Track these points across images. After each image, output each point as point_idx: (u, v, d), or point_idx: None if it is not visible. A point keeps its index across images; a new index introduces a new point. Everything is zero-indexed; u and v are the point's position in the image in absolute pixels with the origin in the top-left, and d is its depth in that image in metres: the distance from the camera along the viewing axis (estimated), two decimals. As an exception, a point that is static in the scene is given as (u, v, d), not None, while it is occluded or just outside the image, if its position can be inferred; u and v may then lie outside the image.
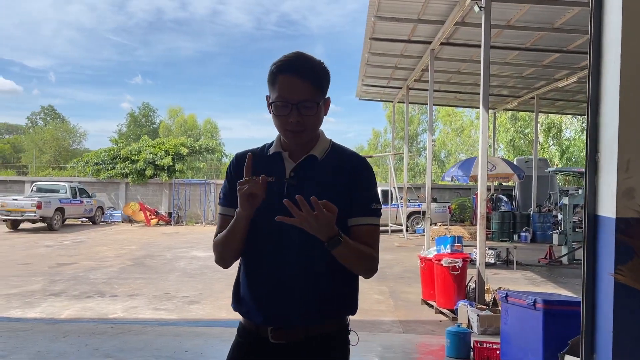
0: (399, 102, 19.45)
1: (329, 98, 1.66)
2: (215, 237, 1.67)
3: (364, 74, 15.30)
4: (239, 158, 1.70)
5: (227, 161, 47.11)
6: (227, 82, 79.43)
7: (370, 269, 1.62)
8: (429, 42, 11.45)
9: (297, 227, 1.50)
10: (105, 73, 76.77)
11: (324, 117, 1.66)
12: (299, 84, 1.53)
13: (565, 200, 12.28)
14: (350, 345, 1.70)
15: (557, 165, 28.73)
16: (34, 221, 17.44)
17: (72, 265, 10.39)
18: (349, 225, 1.59)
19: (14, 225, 17.68)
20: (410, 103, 19.41)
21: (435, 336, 5.60)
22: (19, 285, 8.30)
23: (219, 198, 1.73)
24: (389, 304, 7.58)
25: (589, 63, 2.53)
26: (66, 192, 18.90)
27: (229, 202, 1.65)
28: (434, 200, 19.35)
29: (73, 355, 4.19)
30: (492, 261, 11.26)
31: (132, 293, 7.89)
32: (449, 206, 17.70)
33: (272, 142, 1.70)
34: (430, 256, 7.27)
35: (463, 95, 17.52)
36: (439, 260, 6.93)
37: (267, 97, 1.61)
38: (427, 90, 12.42)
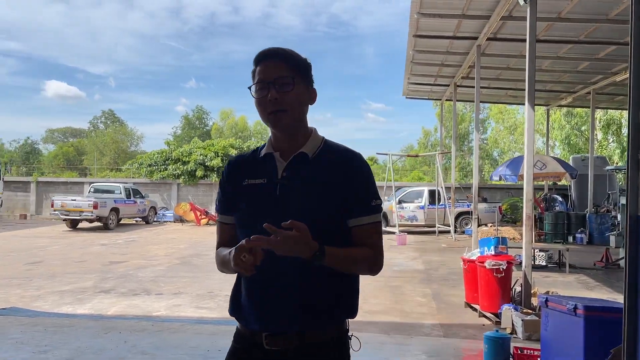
0: (447, 100, 19.06)
1: (314, 89, 1.65)
2: (216, 247, 1.67)
3: (410, 72, 15.08)
4: (232, 164, 1.70)
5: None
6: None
7: (371, 268, 1.58)
8: (475, 38, 11.15)
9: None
10: (162, 78, 79.69)
11: (311, 105, 1.63)
12: (273, 65, 1.56)
13: (624, 200, 11.66)
14: (352, 351, 1.63)
15: (617, 163, 27.34)
16: (90, 221, 18.19)
17: (123, 264, 10.76)
18: (350, 225, 1.54)
19: (73, 224, 18.50)
20: (458, 101, 18.97)
21: (476, 341, 5.42)
22: (72, 282, 8.67)
23: (215, 205, 1.74)
24: (431, 307, 7.42)
25: (629, 58, 2.39)
26: (121, 193, 19.61)
27: (225, 209, 1.66)
28: (484, 200, 18.84)
29: (111, 352, 4.32)
30: (544, 264, 10.84)
31: (177, 291, 8.08)
32: (499, 206, 17.16)
33: (265, 144, 1.68)
34: (474, 258, 7.07)
35: (514, 92, 16.94)
36: (482, 262, 6.72)
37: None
38: (475, 87, 12.10)
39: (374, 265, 1.58)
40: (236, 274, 1.63)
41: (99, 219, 18.10)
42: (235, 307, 1.63)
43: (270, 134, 1.65)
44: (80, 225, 18.72)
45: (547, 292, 6.66)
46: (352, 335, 1.64)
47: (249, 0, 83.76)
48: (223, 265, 1.59)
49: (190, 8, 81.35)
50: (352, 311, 1.62)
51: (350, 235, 1.55)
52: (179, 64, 79.17)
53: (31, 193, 24.84)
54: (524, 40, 7.45)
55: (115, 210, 18.83)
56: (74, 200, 18.20)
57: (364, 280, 7.28)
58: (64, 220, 18.46)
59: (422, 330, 6.22)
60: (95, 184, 21.11)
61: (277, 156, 1.61)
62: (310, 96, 1.64)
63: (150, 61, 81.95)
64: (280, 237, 1.36)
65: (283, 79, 1.54)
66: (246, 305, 1.58)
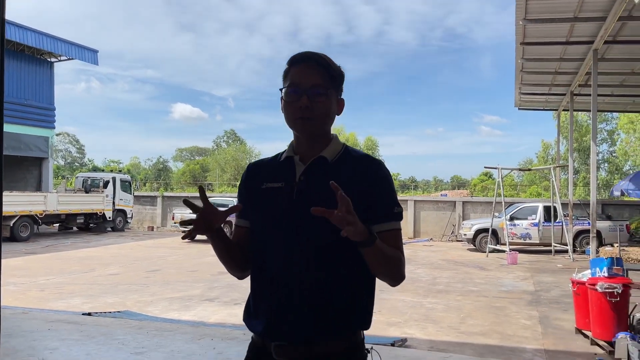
0: (564, 110, 17.80)
1: (343, 99, 1.63)
2: None
3: (521, 81, 14.35)
4: (251, 168, 1.71)
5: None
6: (391, 99, 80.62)
7: (401, 273, 1.52)
8: (591, 42, 10.34)
9: (309, 235, 1.46)
10: (278, 98, 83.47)
11: (337, 116, 1.62)
12: (310, 71, 1.54)
13: None
14: None
15: None
16: (206, 233, 19.34)
17: (230, 274, 11.30)
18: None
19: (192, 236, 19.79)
20: (576, 110, 17.70)
21: (580, 370, 4.94)
22: (182, 290, 9.27)
23: None
24: (536, 331, 6.90)
25: None
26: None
27: (241, 213, 1.67)
28: (609, 217, 17.18)
29: (199, 357, 4.54)
30: (678, 289, 9.62)
31: (275, 303, 8.30)
32: (626, 225, 15.56)
33: (284, 150, 1.68)
34: (584, 279, 6.47)
35: (641, 99, 15.43)
36: (594, 285, 6.13)
37: (281, 98, 1.60)
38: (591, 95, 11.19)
39: (400, 271, 1.51)
40: (250, 281, 1.64)
41: (214, 231, 19.15)
42: (247, 314, 1.63)
43: (292, 138, 1.65)
44: (198, 237, 19.90)
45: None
46: (371, 348, 1.58)
47: (364, 20, 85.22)
48: (216, 254, 1.65)
49: (307, 30, 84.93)
50: (366, 321, 1.56)
51: None
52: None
53: (157, 207, 27.06)
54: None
55: (229, 223, 19.83)
56: (191, 213, 19.46)
57: (465, 299, 7.06)
58: (182, 232, 19.84)
59: (522, 355, 5.81)
60: (211, 199, 22.39)
61: (297, 160, 1.59)
62: (339, 106, 1.63)
63: (269, 83, 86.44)
64: (340, 213, 1.29)
65: (317, 88, 1.53)
66: (256, 312, 1.57)
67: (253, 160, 1.79)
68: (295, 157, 1.59)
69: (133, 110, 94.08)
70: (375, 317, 5.93)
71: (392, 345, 5.67)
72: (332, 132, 1.63)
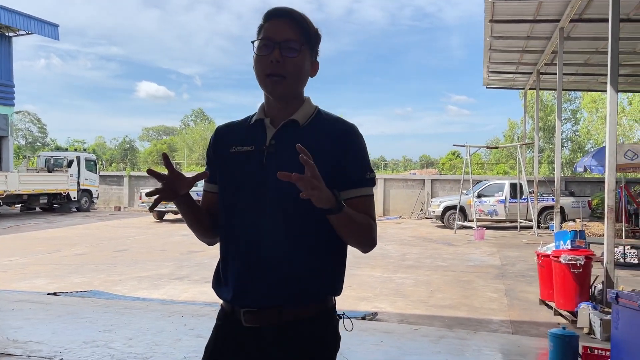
0: (530, 89, 18.09)
1: (317, 62, 1.58)
2: None
3: (489, 60, 14.46)
4: (220, 131, 1.65)
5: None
6: (361, 78, 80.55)
7: (372, 240, 1.48)
8: (558, 20, 10.46)
9: (278, 200, 1.42)
10: (248, 77, 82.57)
11: (310, 77, 1.56)
12: (284, 25, 1.48)
13: None
14: (346, 331, 1.53)
15: None
16: (175, 212, 19.09)
17: (200, 253, 11.18)
18: (344, 198, 1.41)
19: (160, 216, 19.54)
20: (542, 89, 17.98)
21: (544, 339, 5.08)
22: (151, 269, 9.15)
23: None
24: (503, 303, 7.07)
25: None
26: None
27: (210, 178, 1.61)
28: (571, 194, 17.69)
29: (169, 333, 4.50)
30: (635, 262, 10.01)
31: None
32: (588, 201, 16.04)
33: (253, 112, 1.62)
34: (548, 252, 6.65)
35: (604, 78, 15.70)
36: (557, 257, 6.31)
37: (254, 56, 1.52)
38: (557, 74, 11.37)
39: (372, 238, 1.48)
40: (219, 248, 1.59)
41: (183, 210, 18.94)
42: (217, 282, 1.57)
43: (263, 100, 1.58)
44: (167, 217, 19.72)
45: (633, 291, 6.12)
46: (343, 315, 1.56)
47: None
48: (184, 219, 1.60)
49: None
50: (336, 287, 1.53)
51: None
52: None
53: (124, 186, 26.56)
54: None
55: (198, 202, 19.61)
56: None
57: (433, 274, 7.15)
58: (150, 212, 19.56)
59: (489, 326, 5.95)
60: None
61: (267, 123, 1.52)
62: (313, 68, 1.57)
63: (238, 61, 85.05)
64: (305, 178, 1.25)
65: (290, 43, 1.46)
66: (225, 278, 1.52)
67: (220, 124, 1.68)
68: (266, 119, 1.53)
69: (97, 88, 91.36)
70: (346, 292, 5.97)
71: (363, 318, 5.73)
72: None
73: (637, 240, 10.41)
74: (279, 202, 1.42)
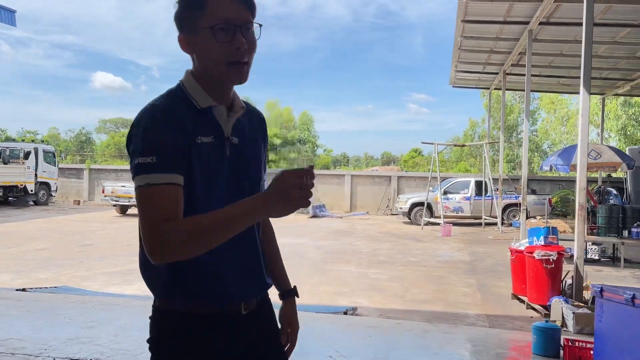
0: (495, 88, 18.52)
1: None
2: (172, 218, 1.26)
3: (458, 59, 14.67)
4: (173, 116, 1.29)
5: (321, 152, 47.65)
6: (324, 74, 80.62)
7: None
8: (527, 23, 10.72)
9: (246, 193, 1.31)
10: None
11: None
12: (239, 5, 1.30)
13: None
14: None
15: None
16: (139, 206, 18.67)
17: (169, 248, 10.99)
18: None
19: (123, 210, 19.07)
20: (508, 90, 18.39)
21: (523, 332, 5.23)
22: (120, 265, 8.91)
23: (148, 162, 1.26)
24: (476, 298, 7.23)
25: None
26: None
27: (173, 166, 1.28)
28: (533, 192, 18.22)
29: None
30: (596, 257, 10.41)
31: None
32: (549, 199, 16.54)
33: (183, 92, 1.35)
34: (522, 248, 6.83)
35: (567, 80, 16.25)
36: (531, 253, 6.48)
37: (187, 32, 1.32)
38: (525, 75, 11.66)
39: None
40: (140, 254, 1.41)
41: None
42: (203, 287, 1.34)
43: (184, 79, 1.38)
44: (130, 211, 19.25)
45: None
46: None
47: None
48: (230, 226, 1.20)
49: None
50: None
51: None
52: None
53: (84, 180, 25.77)
54: (580, 24, 7.10)
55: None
56: (124, 186, 18.73)
57: (406, 270, 7.21)
58: (114, 205, 19.06)
59: (466, 320, 6.07)
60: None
61: (222, 110, 1.37)
62: None
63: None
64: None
65: (250, 26, 1.32)
66: (223, 278, 1.37)
67: (157, 104, 1.31)
68: (220, 107, 1.37)
69: (50, 78, 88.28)
70: (323, 288, 6.01)
71: (345, 313, 5.74)
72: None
73: (597, 237, 10.80)
74: (253, 192, 1.35)
